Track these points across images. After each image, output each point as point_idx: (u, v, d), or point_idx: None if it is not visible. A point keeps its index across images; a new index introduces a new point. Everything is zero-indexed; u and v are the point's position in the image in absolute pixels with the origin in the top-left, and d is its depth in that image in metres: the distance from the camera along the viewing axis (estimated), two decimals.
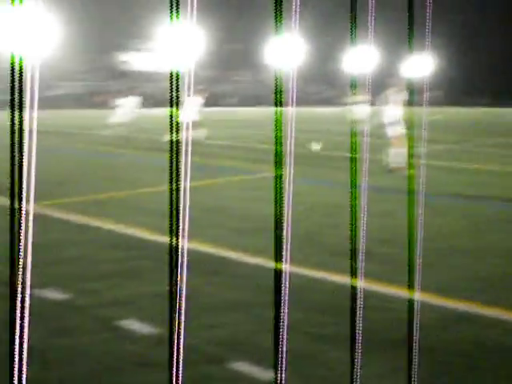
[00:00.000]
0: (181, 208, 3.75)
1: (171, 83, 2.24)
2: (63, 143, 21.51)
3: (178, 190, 3.57)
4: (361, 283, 4.64)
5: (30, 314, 4.11)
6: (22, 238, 3.04)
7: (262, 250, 6.94)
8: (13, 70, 2.18)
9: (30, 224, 3.62)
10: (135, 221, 8.51)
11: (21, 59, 1.98)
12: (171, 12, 2.72)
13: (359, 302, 4.01)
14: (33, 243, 3.51)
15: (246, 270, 6.34)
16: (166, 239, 6.17)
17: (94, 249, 7.07)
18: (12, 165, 2.94)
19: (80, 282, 5.86)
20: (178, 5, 2.82)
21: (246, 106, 75.92)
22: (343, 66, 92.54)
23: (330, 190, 11.64)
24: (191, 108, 22.39)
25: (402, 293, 5.68)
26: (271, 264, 5.99)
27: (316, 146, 25.81)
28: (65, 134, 26.36)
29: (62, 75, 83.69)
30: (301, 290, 5.66)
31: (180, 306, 4.39)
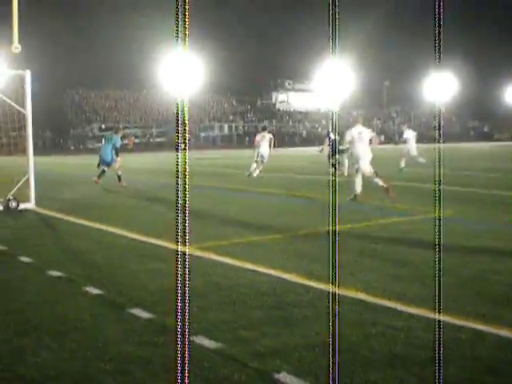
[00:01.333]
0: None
1: (332, 122, 2.14)
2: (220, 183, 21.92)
3: (333, 233, 3.36)
4: None
5: (186, 363, 4.00)
6: (181, 282, 2.93)
7: (421, 298, 6.55)
8: (178, 115, 2.19)
9: (188, 266, 3.49)
10: (286, 265, 8.34)
11: (184, 104, 1.97)
12: (332, 51, 2.65)
13: None
14: (189, 287, 3.39)
15: (402, 320, 5.95)
16: (315, 284, 5.92)
17: (245, 294, 6.93)
18: (177, 206, 2.87)
19: (232, 329, 5.72)
20: (334, 45, 2.70)
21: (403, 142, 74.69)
22: (503, 100, 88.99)
23: (493, 233, 10.93)
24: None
25: None
26: (427, 314, 5.58)
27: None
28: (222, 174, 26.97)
29: (216, 117, 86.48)
30: (462, 344, 5.24)
31: (335, 361, 4.11)
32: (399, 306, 6.36)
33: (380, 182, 15.75)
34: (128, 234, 11.10)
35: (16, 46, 14.65)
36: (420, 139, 76.49)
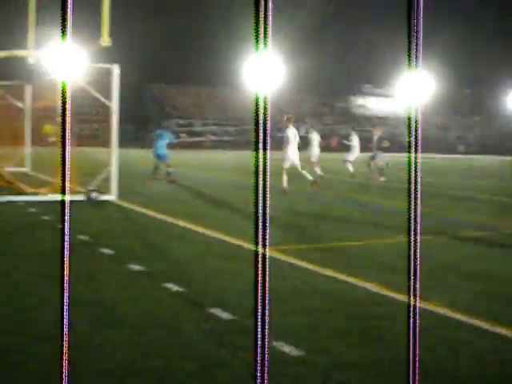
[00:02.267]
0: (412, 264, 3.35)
1: (409, 128, 2.04)
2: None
3: (412, 243, 3.21)
4: None
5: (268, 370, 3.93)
6: (262, 285, 2.84)
7: (508, 318, 6.32)
8: (257, 112, 2.11)
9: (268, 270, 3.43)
10: (366, 274, 8.18)
11: (265, 101, 1.84)
12: (409, 59, 2.52)
13: None
14: (269, 290, 3.31)
15: (489, 340, 5.73)
16: (397, 296, 5.73)
17: (326, 302, 6.82)
18: (256, 208, 2.76)
19: (314, 337, 5.63)
20: (417, 52, 2.59)
21: (482, 153, 73.07)
22: None
23: None
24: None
25: None
26: None
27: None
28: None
29: (295, 118, 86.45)
30: None
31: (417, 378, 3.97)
32: (485, 325, 6.13)
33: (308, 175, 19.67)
34: (207, 231, 11.13)
35: (105, 40, 14.91)
36: (502, 151, 74.42)
